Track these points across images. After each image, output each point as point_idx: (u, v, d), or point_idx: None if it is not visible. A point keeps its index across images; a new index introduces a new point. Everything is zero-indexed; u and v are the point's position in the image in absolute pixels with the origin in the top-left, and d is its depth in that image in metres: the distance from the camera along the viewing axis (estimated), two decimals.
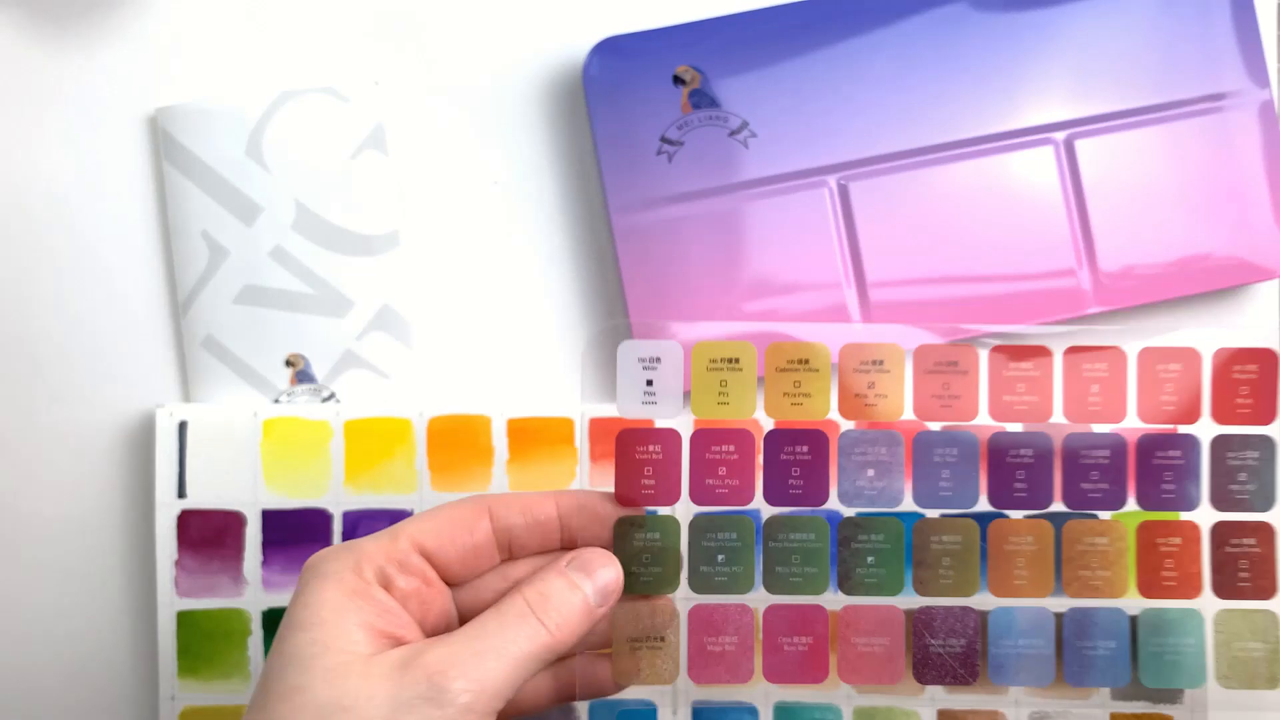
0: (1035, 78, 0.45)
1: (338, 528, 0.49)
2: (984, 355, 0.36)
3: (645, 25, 0.47)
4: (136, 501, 0.49)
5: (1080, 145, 0.48)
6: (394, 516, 0.49)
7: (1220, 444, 0.37)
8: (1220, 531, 0.37)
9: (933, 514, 0.37)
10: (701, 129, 0.47)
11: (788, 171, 0.47)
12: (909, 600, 0.37)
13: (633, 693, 0.49)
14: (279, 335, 0.48)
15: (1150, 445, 0.37)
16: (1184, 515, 0.37)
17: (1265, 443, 0.36)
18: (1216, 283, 0.47)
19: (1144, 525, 0.37)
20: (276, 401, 0.49)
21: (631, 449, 0.37)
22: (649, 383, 0.36)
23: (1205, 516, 0.37)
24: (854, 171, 0.47)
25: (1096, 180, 0.47)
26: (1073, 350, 0.36)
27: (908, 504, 0.37)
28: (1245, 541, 0.37)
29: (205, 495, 0.48)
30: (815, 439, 0.36)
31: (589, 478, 0.50)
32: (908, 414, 0.36)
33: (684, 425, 0.37)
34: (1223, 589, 0.37)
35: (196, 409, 0.49)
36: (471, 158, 0.50)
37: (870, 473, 0.36)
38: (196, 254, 0.48)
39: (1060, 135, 0.47)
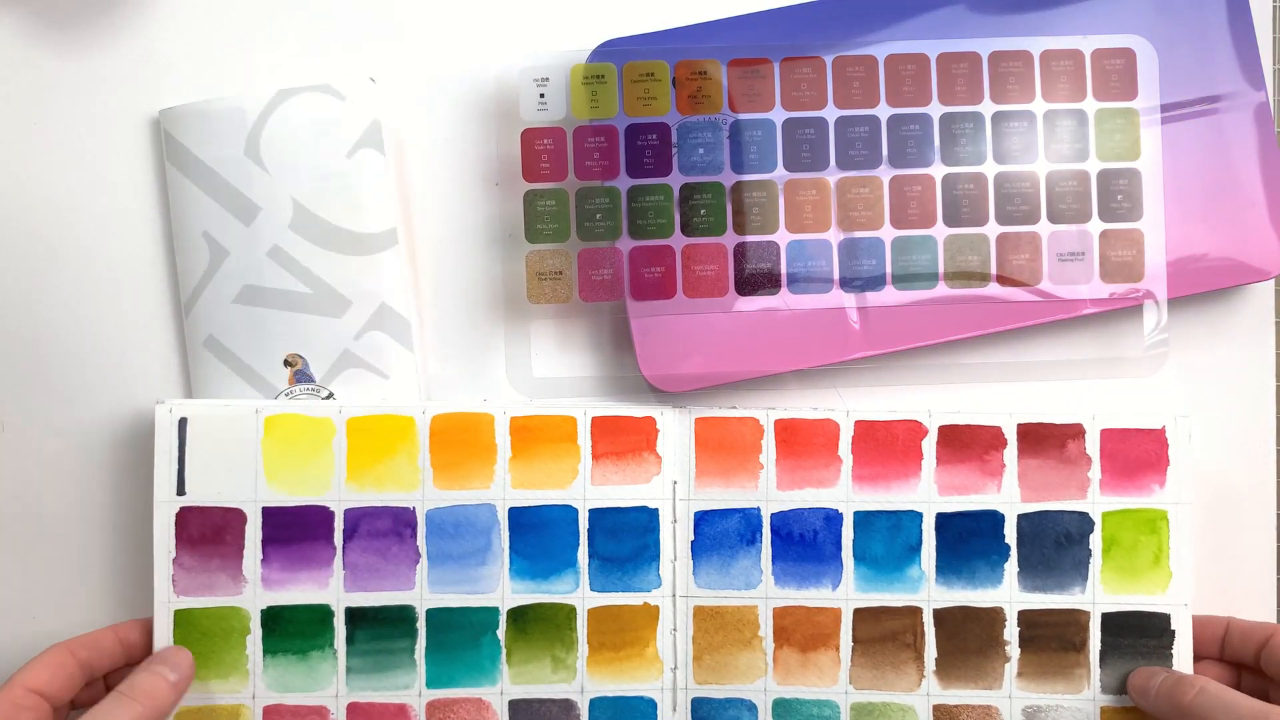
0: (1031, 79, 0.46)
1: (339, 525, 0.49)
2: (777, 65, 0.47)
3: (644, 28, 0.48)
4: (140, 498, 0.49)
5: None
6: (396, 515, 0.49)
7: (946, 120, 0.47)
8: (949, 180, 0.48)
9: (746, 177, 0.48)
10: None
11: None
12: (730, 238, 0.48)
13: (631, 688, 0.49)
14: (278, 335, 0.48)
15: (897, 121, 0.47)
16: (923, 170, 0.48)
17: (976, 117, 0.47)
18: (1212, 283, 0.47)
19: (895, 179, 0.48)
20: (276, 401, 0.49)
21: (532, 142, 0.48)
22: (541, 96, 0.46)
23: (938, 171, 0.48)
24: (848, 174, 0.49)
25: None
26: (838, 59, 0.47)
27: (727, 172, 0.48)
28: (968, 185, 0.47)
29: (205, 492, 0.48)
30: (661, 129, 0.48)
31: (591, 475, 0.50)
32: (725, 107, 0.47)
33: (567, 124, 0.47)
34: (950, 220, 0.48)
35: (197, 405, 0.48)
36: (469, 155, 0.50)
37: (700, 150, 0.47)
38: (198, 254, 0.48)
39: None
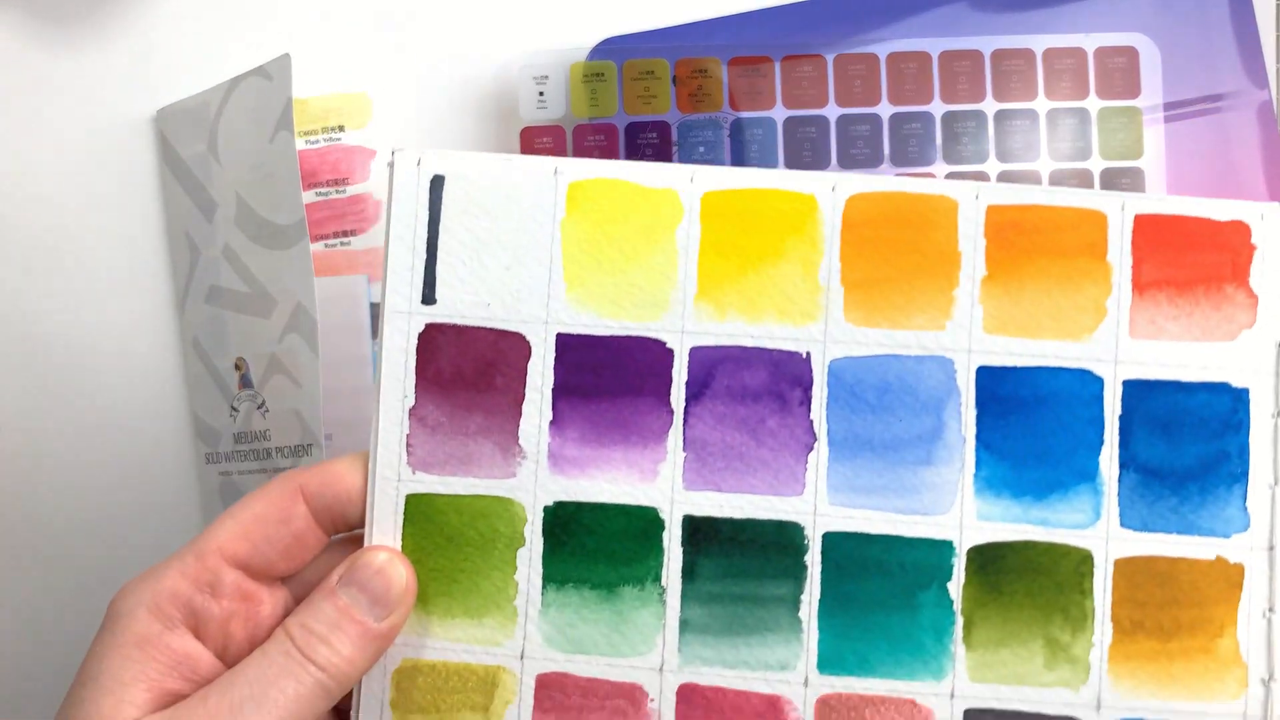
0: (1033, 78, 0.45)
1: (681, 373, 0.28)
2: (778, 63, 0.44)
3: (644, 25, 0.45)
4: (141, 500, 0.44)
5: None
6: (778, 364, 0.28)
7: (948, 118, 0.44)
8: (952, 179, 0.43)
9: None
10: None
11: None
12: None
13: (1189, 709, 0.27)
14: (232, 337, 0.44)
15: (899, 119, 0.44)
16: (925, 169, 0.44)
17: (978, 115, 0.43)
18: None
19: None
20: (234, 409, 0.42)
21: (531, 141, 0.43)
22: (540, 94, 0.44)
23: (940, 170, 0.44)
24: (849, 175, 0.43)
25: None
26: (839, 57, 0.44)
27: None
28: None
29: (467, 303, 0.29)
30: (661, 127, 0.44)
31: (1130, 319, 0.28)
32: (726, 106, 0.45)
33: (567, 123, 0.44)
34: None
35: (460, 160, 0.29)
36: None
37: (701, 149, 0.44)
38: (183, 254, 0.44)
39: None
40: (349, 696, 0.29)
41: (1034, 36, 0.45)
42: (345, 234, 0.45)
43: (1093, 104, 0.45)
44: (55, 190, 0.46)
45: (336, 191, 0.45)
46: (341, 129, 0.45)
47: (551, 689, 0.28)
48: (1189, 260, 0.28)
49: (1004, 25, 0.46)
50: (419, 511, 0.29)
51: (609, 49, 0.45)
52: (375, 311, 0.44)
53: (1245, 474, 0.28)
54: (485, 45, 0.46)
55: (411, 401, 0.29)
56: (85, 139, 0.46)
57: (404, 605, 0.28)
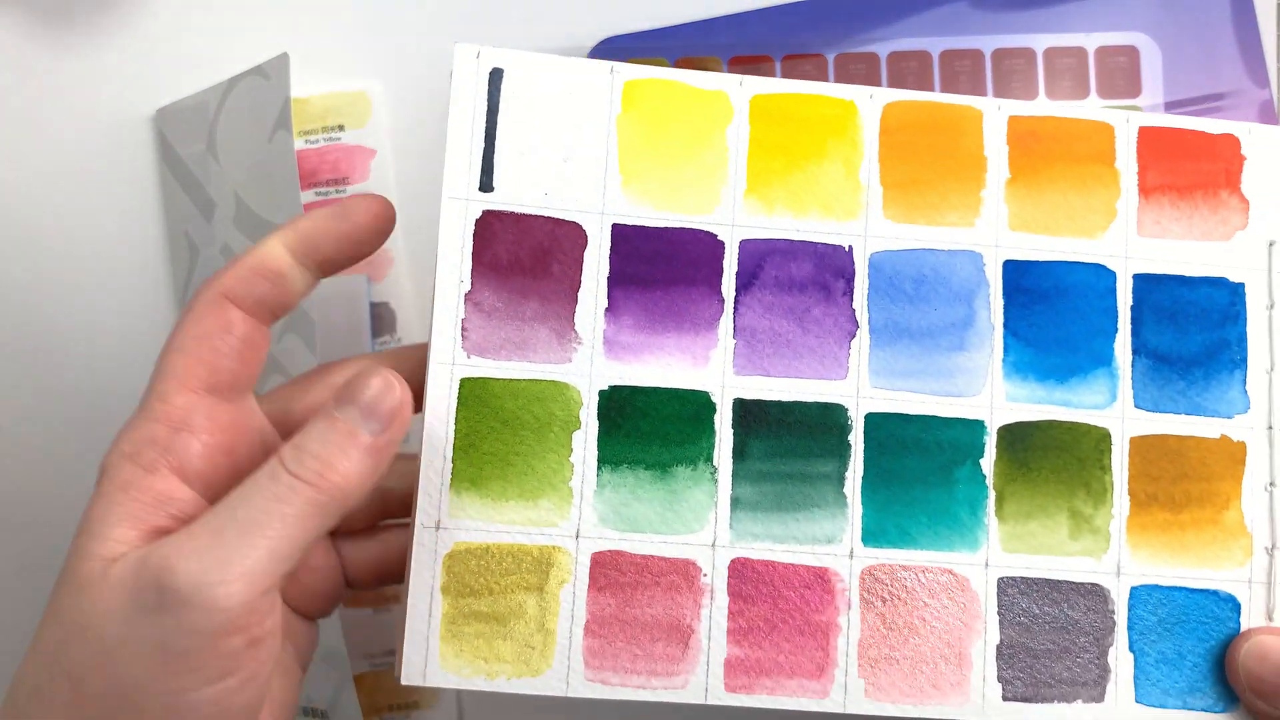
0: (1034, 77, 0.45)
1: (731, 265, 0.30)
2: (779, 62, 0.43)
3: (644, 25, 0.45)
4: None
5: None
6: (823, 256, 0.30)
7: None
8: None
9: None
10: None
11: None
12: None
13: (1198, 575, 0.29)
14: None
15: None
16: None
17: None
18: None
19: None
20: None
21: None
22: None
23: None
24: None
25: None
26: (840, 56, 0.42)
27: None
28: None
29: (525, 191, 0.30)
30: None
31: (1137, 219, 0.30)
32: None
33: None
34: None
35: (519, 56, 0.30)
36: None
37: None
38: (182, 254, 0.44)
39: None
40: (393, 579, 0.29)
41: (1035, 35, 0.45)
42: None
43: (1093, 103, 0.44)
44: (54, 190, 0.45)
45: (336, 191, 0.44)
46: (341, 128, 0.44)
47: (607, 567, 0.29)
48: (1188, 168, 0.31)
49: (1005, 24, 0.46)
50: (473, 395, 0.29)
51: (609, 49, 0.45)
52: (375, 311, 0.44)
53: (1244, 360, 0.30)
54: (485, 45, 0.47)
55: (468, 287, 0.29)
56: (84, 139, 0.45)
57: (399, 421, 0.27)
